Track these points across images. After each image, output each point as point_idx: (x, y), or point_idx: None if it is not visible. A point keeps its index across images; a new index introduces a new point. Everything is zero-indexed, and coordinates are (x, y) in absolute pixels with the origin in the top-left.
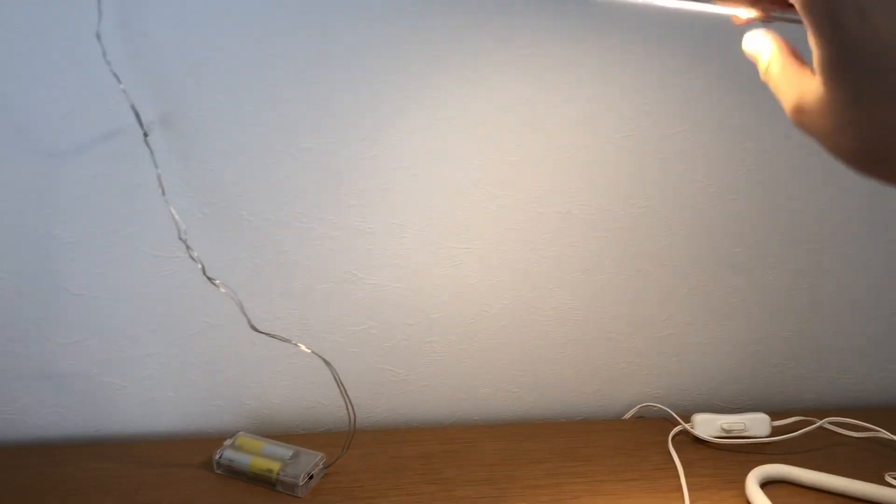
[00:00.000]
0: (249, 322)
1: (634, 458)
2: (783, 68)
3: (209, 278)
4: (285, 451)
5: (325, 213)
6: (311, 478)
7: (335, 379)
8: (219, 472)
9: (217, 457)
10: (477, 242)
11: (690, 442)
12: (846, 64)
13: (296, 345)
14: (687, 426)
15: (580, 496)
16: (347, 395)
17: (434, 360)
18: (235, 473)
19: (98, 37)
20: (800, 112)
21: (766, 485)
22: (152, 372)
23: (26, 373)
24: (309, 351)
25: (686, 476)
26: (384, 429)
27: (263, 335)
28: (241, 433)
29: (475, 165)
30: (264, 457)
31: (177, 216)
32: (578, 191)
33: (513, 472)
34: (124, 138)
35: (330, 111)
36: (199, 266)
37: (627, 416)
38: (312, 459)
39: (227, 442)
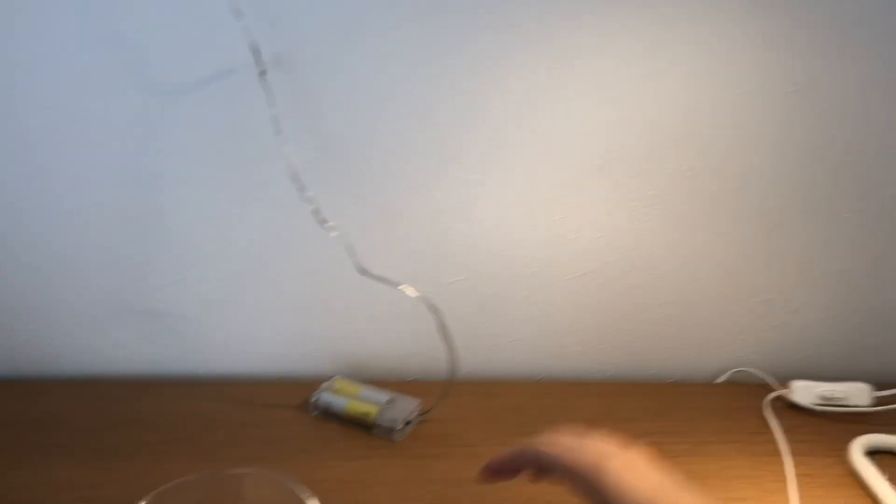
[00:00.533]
0: (358, 265)
1: (730, 420)
2: None
3: (321, 221)
4: (382, 396)
5: (432, 163)
6: (407, 424)
7: (439, 326)
8: (315, 414)
9: (314, 399)
10: (582, 197)
11: (786, 408)
12: None
13: (402, 289)
14: (783, 392)
15: (681, 455)
16: (450, 343)
17: (528, 316)
18: (332, 416)
19: None
20: None
21: (870, 454)
22: (251, 314)
23: (126, 309)
24: (416, 295)
25: (786, 441)
26: (475, 380)
27: (369, 279)
28: (337, 377)
29: (587, 118)
30: (361, 401)
31: (291, 157)
32: (688, 148)
33: (608, 428)
34: (238, 77)
35: (445, 59)
36: (312, 207)
37: (720, 380)
38: (409, 406)
39: (325, 385)
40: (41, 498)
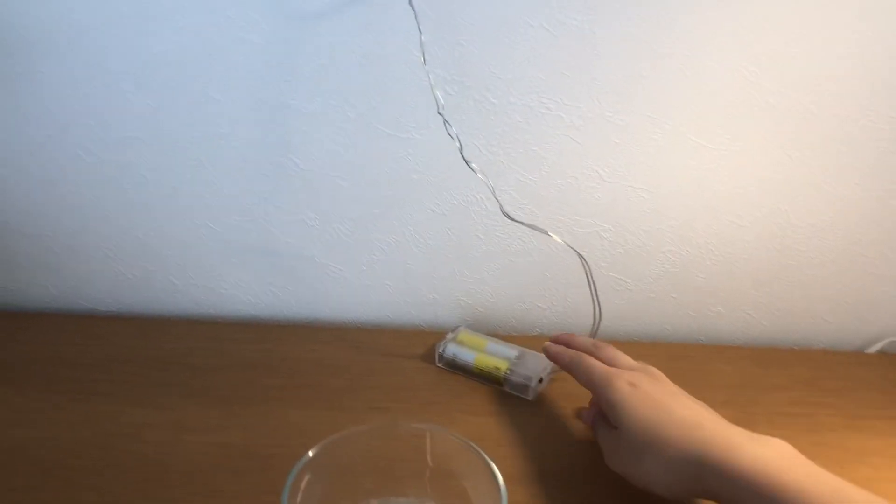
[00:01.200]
0: (502, 209)
1: (886, 393)
2: (600, 428)
3: (465, 160)
4: (510, 350)
5: (574, 100)
6: (540, 381)
7: (587, 277)
8: (440, 365)
9: (440, 350)
10: (737, 144)
11: None
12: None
13: (551, 236)
14: None
15: (836, 429)
16: (597, 296)
17: (667, 272)
18: (458, 368)
19: None
20: (609, 457)
21: None
22: (376, 256)
23: (245, 248)
24: (562, 243)
25: None
26: (608, 337)
27: (506, 223)
28: (462, 328)
29: (751, 55)
30: (490, 354)
31: (436, 90)
32: (864, 96)
33: (754, 396)
34: (372, 3)
35: None
36: (458, 145)
37: (872, 349)
38: (540, 362)
39: (449, 336)
40: (169, 438)
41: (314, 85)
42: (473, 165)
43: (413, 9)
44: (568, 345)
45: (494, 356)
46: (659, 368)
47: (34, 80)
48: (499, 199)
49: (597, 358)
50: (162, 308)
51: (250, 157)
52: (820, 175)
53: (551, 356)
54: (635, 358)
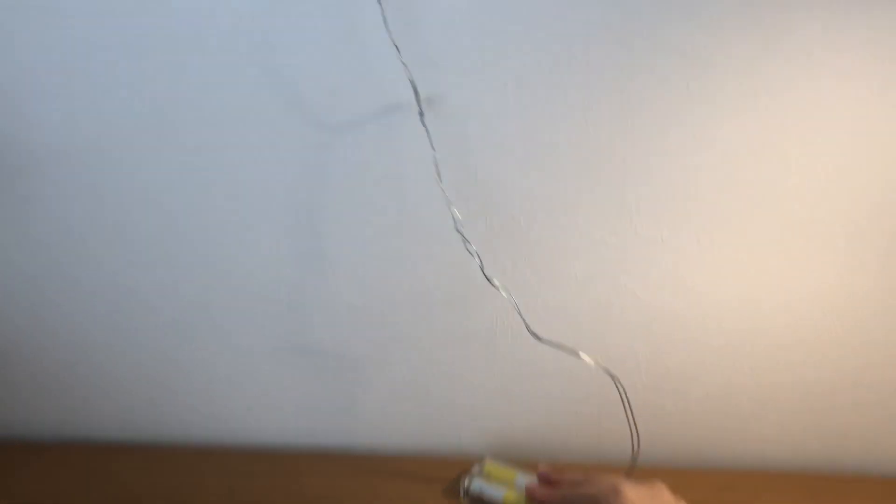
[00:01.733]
0: (529, 328)
1: None
2: None
3: (487, 277)
4: None
5: (604, 216)
6: None
7: (623, 400)
8: (465, 501)
9: (465, 484)
10: (779, 260)
11: None
12: None
13: (581, 357)
14: None
15: None
16: (634, 420)
17: (709, 395)
18: None
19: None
20: None
21: None
22: (393, 382)
23: (257, 375)
24: (594, 364)
25: None
26: (651, 466)
27: (533, 343)
28: (487, 458)
29: (790, 168)
30: (520, 490)
31: (453, 207)
32: None
33: None
34: (397, 117)
35: (614, 98)
36: (478, 262)
37: None
38: None
39: (475, 468)
40: None
41: (331, 206)
42: (496, 282)
43: (425, 127)
44: (555, 483)
45: (524, 492)
46: (704, 501)
47: (40, 203)
48: (524, 317)
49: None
50: (171, 436)
51: (260, 278)
52: (871, 291)
53: (539, 500)
54: (676, 489)
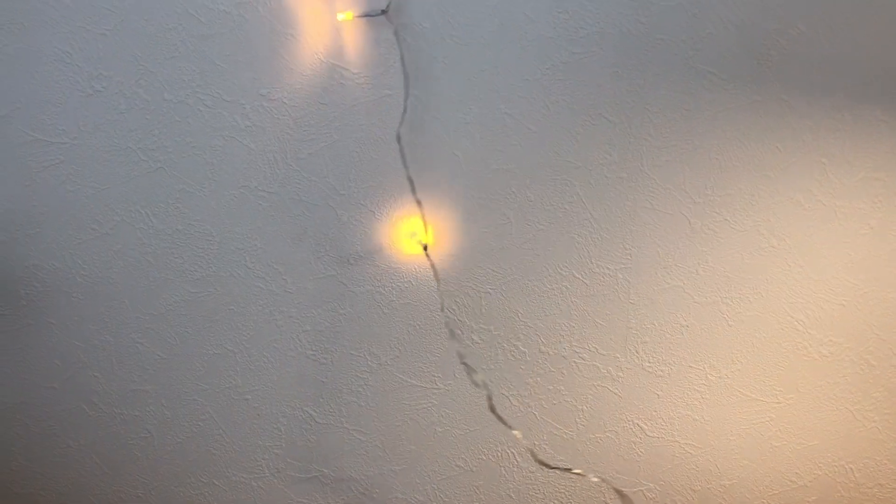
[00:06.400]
0: (535, 457)
1: None
2: None
3: (494, 410)
4: None
5: (610, 350)
6: None
7: None
8: None
9: None
10: (789, 396)
11: None
12: None
13: (587, 476)
14: None
15: None
16: None
17: None
18: None
19: (398, 139)
20: None
21: None
22: None
23: None
24: (599, 480)
25: None
26: None
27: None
28: None
29: (796, 305)
30: None
31: (458, 339)
32: None
33: None
34: (400, 250)
35: (619, 234)
36: (485, 395)
37: None
38: None
39: None
40: None
41: (331, 336)
42: (502, 416)
43: (431, 261)
44: None
45: None
46: None
47: (43, 331)
48: (531, 448)
49: None
50: None
51: (264, 411)
52: (884, 430)
53: None
54: None
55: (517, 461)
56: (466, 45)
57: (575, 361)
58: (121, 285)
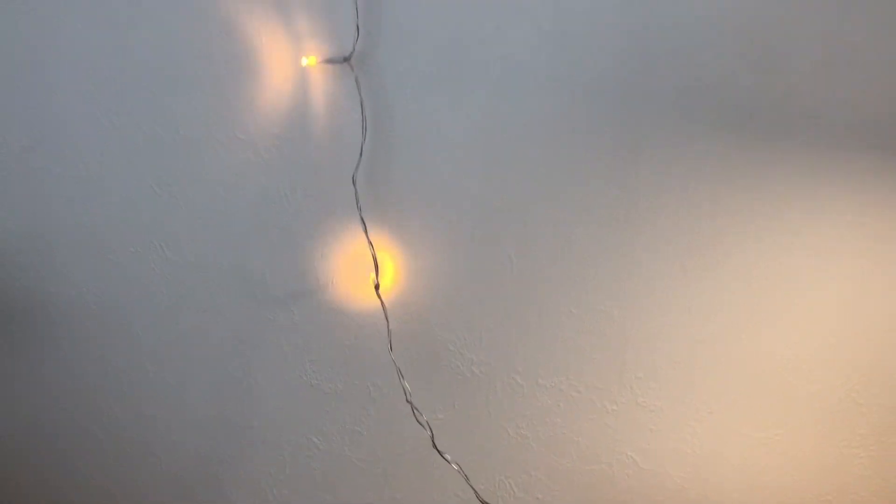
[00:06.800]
0: (478, 496)
1: None
2: None
3: (437, 449)
4: None
5: (605, 384)
6: None
7: None
8: None
9: None
10: (780, 431)
11: None
12: None
13: None
14: None
15: None
16: None
17: None
18: None
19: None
20: None
21: None
22: None
23: None
24: None
25: None
26: None
27: None
28: None
29: (787, 342)
30: None
31: (404, 379)
32: None
33: None
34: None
35: (614, 273)
36: (428, 433)
37: None
38: None
39: None
40: None
41: (335, 366)
42: (447, 456)
43: (380, 299)
44: None
45: None
46: None
47: (58, 355)
48: (474, 487)
49: None
50: None
51: (269, 438)
52: (870, 466)
53: None
54: None
55: (514, 491)
56: (427, 91)
57: (571, 394)
58: (133, 313)
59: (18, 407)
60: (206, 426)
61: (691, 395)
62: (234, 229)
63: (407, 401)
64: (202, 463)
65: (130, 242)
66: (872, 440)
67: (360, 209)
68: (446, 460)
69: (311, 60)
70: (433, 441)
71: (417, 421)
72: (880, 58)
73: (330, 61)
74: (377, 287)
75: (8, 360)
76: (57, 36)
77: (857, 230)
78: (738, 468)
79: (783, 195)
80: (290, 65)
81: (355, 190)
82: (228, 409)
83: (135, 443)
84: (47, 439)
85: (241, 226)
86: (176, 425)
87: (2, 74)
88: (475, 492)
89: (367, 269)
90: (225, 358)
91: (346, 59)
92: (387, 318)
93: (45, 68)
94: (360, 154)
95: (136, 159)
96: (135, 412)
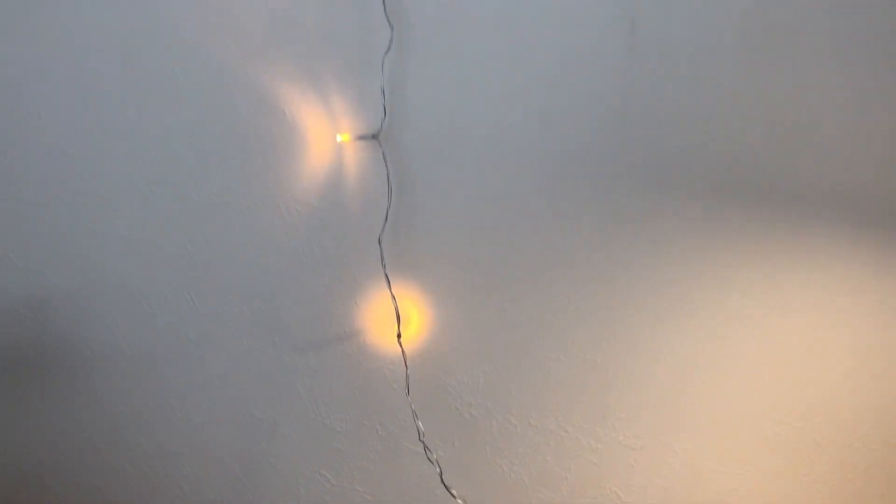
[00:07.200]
0: None
1: None
2: None
3: (446, 485)
4: None
5: (590, 424)
6: None
7: None
8: None
9: None
10: (748, 468)
11: None
12: None
13: None
14: None
15: None
16: None
17: None
18: None
19: (379, 242)
20: None
21: None
22: None
23: None
24: None
25: None
26: None
27: None
28: None
29: (753, 386)
30: None
31: (418, 420)
32: (863, 424)
33: None
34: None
35: (597, 322)
36: (437, 470)
37: None
38: None
39: None
40: None
41: (346, 407)
42: (454, 492)
43: (401, 346)
44: None
45: None
46: None
47: (93, 395)
48: None
49: None
50: None
51: (286, 473)
52: (829, 499)
53: None
54: None
55: None
56: (445, 163)
57: (560, 434)
58: (163, 358)
59: (55, 441)
60: (228, 462)
61: (668, 434)
62: (265, 285)
63: (419, 440)
64: (225, 496)
65: (162, 294)
66: (831, 476)
67: (384, 266)
68: (452, 495)
69: (344, 137)
70: (441, 477)
71: (428, 458)
72: (827, 132)
73: (361, 138)
74: (399, 336)
75: (44, 398)
76: (102, 109)
77: (811, 285)
78: (712, 502)
79: (746, 255)
80: (328, 141)
81: (381, 250)
82: (249, 447)
83: (160, 477)
84: (81, 471)
85: (272, 280)
86: (200, 461)
87: (56, 145)
88: None
89: (386, 320)
90: (246, 399)
91: (375, 137)
92: (406, 365)
93: (94, 140)
94: (386, 219)
95: (171, 221)
96: (161, 448)
